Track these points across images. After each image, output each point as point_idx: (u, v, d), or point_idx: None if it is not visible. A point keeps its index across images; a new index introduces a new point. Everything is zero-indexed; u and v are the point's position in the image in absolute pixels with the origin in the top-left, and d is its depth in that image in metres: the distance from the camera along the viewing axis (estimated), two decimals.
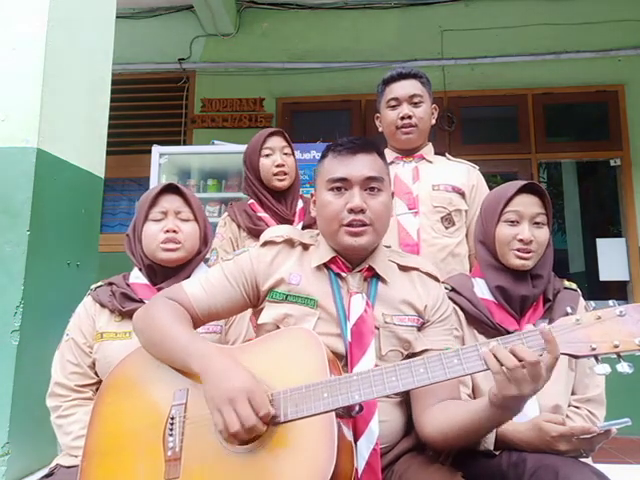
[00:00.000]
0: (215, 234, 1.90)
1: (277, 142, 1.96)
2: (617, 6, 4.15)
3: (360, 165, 1.10)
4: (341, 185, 1.10)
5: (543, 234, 1.25)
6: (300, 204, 2.00)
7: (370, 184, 1.10)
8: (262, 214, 1.93)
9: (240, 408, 0.84)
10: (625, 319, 0.84)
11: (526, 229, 1.23)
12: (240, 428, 0.83)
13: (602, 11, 4.16)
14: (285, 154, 1.95)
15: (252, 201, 1.98)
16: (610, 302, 0.87)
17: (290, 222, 1.91)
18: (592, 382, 1.23)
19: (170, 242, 1.32)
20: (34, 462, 1.67)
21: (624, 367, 0.81)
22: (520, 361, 0.82)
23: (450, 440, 0.99)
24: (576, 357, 0.85)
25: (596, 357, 0.84)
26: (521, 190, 1.25)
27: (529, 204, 1.25)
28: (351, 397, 0.88)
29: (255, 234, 1.87)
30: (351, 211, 1.07)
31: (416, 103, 1.76)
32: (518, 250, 1.23)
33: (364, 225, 1.07)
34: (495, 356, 0.85)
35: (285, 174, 1.93)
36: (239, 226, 1.93)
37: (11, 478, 1.56)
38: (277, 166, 1.92)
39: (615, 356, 0.83)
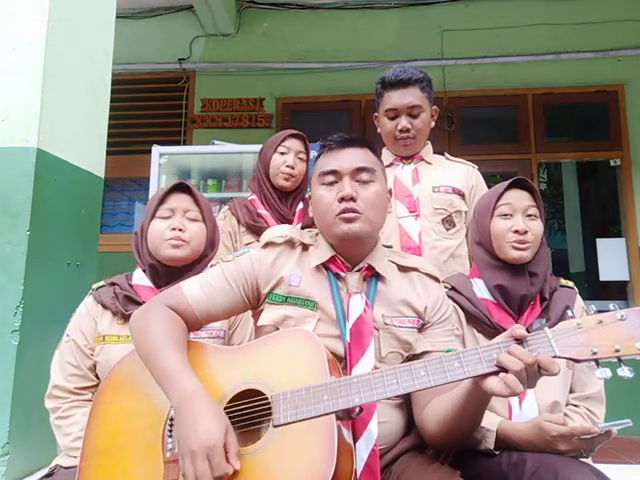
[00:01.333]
0: None
1: (295, 144, 1.96)
2: (617, 6, 4.15)
3: (350, 157, 1.11)
4: (332, 179, 1.11)
5: (537, 226, 1.27)
6: (300, 205, 1.99)
7: (360, 174, 1.10)
8: (262, 211, 1.93)
9: (198, 464, 0.82)
10: (626, 323, 0.83)
11: (520, 220, 1.26)
12: None
13: (602, 11, 4.16)
14: (299, 158, 1.96)
15: (253, 197, 1.98)
16: (611, 306, 0.87)
17: (289, 222, 1.91)
18: (590, 380, 1.24)
19: (175, 240, 1.30)
20: (34, 462, 1.67)
21: (625, 371, 0.81)
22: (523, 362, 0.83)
23: (445, 427, 0.99)
24: (577, 361, 0.85)
25: (597, 361, 0.84)
26: (511, 186, 1.29)
27: (520, 198, 1.28)
28: (351, 400, 0.87)
29: (254, 230, 1.88)
30: (342, 200, 1.07)
31: (415, 115, 1.73)
32: (514, 242, 1.25)
33: (355, 212, 1.07)
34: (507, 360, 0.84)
35: (292, 176, 1.93)
36: (238, 221, 1.93)
37: (11, 478, 1.56)
38: (287, 166, 1.92)
39: (616, 360, 0.83)
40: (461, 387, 0.95)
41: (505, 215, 1.28)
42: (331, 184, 1.11)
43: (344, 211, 1.07)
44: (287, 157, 1.93)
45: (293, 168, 1.92)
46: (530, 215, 1.27)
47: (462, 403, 0.94)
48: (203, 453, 0.82)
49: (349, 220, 1.07)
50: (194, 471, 0.82)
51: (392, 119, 1.75)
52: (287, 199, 1.97)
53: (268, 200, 1.94)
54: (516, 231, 1.24)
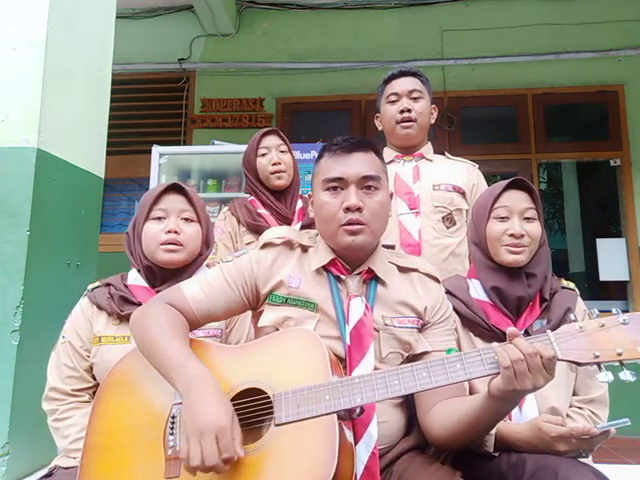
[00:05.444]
0: (214, 227, 1.91)
1: (273, 141, 1.97)
2: (617, 6, 4.15)
3: (356, 164, 1.09)
4: (337, 185, 1.09)
5: (535, 228, 1.24)
6: (300, 204, 2.01)
7: (367, 183, 1.08)
8: (262, 211, 1.95)
9: (206, 445, 0.81)
10: (629, 327, 0.84)
11: (516, 224, 1.23)
12: (200, 464, 0.81)
13: (602, 11, 4.16)
14: (281, 152, 1.97)
15: (253, 197, 2.00)
16: (613, 310, 0.87)
17: (289, 221, 1.93)
18: (595, 383, 1.22)
19: (171, 244, 1.27)
20: (34, 462, 1.67)
21: (627, 375, 0.81)
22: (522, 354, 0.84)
23: (454, 436, 0.99)
24: (579, 364, 0.85)
25: (599, 365, 0.84)
26: (509, 186, 1.26)
27: (518, 199, 1.25)
28: (353, 400, 0.87)
29: (254, 229, 1.90)
30: (347, 210, 1.06)
31: (415, 98, 1.78)
32: (509, 245, 1.22)
33: (360, 224, 1.06)
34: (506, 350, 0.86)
35: (283, 172, 1.94)
36: (239, 221, 1.95)
37: (11, 478, 1.56)
38: (274, 164, 1.93)
39: (618, 364, 0.83)
40: (477, 401, 0.94)
41: (502, 218, 1.24)
42: (336, 190, 1.09)
43: (349, 222, 1.06)
44: (270, 156, 1.95)
45: (280, 164, 1.93)
46: (528, 218, 1.24)
47: (477, 416, 0.94)
48: (212, 434, 0.82)
49: (354, 232, 1.06)
50: (201, 452, 0.81)
51: (393, 103, 1.80)
52: (285, 198, 1.99)
53: (266, 203, 1.96)
54: (512, 234, 1.21)
